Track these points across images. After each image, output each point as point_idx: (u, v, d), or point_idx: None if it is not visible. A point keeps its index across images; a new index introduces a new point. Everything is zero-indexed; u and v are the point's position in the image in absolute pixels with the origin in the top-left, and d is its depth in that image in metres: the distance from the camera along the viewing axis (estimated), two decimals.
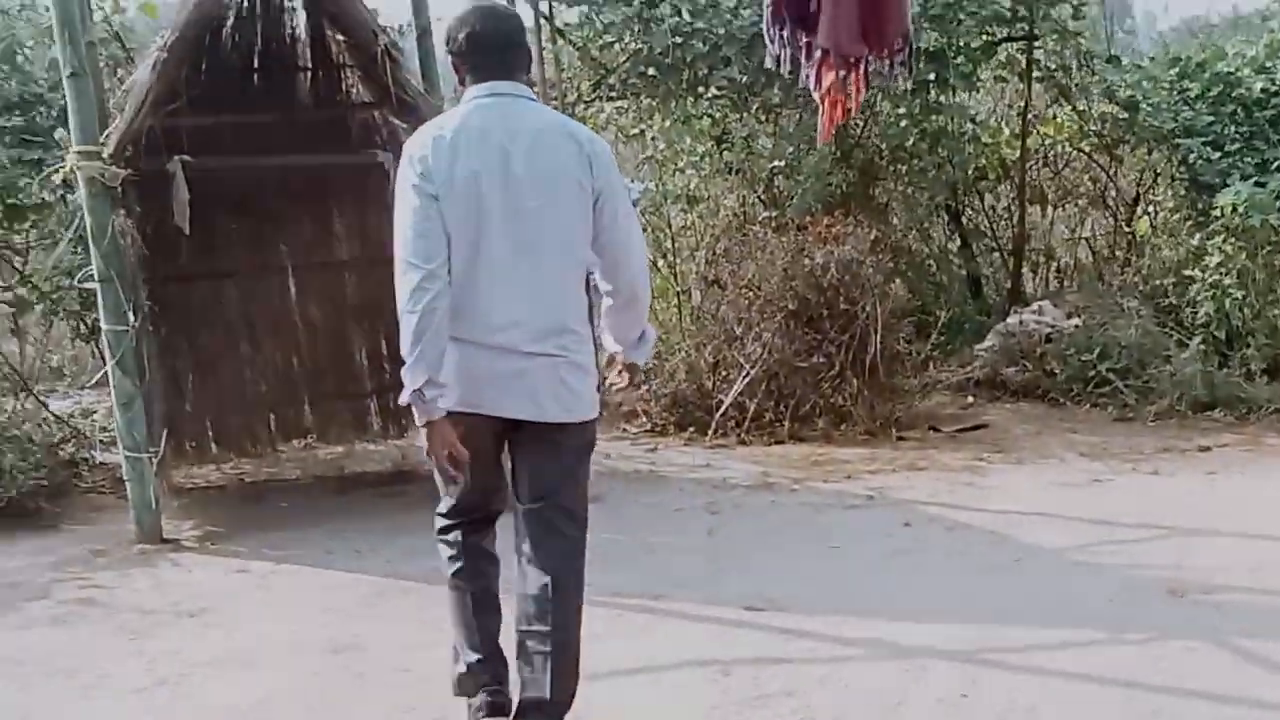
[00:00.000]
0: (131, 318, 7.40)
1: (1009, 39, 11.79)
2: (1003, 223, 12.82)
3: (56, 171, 7.71)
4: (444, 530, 4.69)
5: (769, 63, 6.63)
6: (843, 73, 6.37)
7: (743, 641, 5.65)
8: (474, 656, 4.62)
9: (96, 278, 7.40)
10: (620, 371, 4.88)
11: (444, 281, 4.25)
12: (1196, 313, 10.31)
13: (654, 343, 4.95)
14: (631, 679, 5.26)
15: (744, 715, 4.90)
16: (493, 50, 4.48)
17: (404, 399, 4.32)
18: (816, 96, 6.57)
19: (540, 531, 4.52)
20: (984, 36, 11.41)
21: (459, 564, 4.66)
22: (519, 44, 4.57)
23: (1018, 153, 12.27)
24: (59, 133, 8.60)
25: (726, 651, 5.51)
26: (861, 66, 6.48)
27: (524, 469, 4.57)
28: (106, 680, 5.46)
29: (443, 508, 4.68)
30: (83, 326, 9.40)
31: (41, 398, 9.66)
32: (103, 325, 7.47)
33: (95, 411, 9.57)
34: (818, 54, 6.37)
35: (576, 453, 4.60)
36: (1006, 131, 12.70)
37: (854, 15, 6.36)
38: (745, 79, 11.19)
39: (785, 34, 6.45)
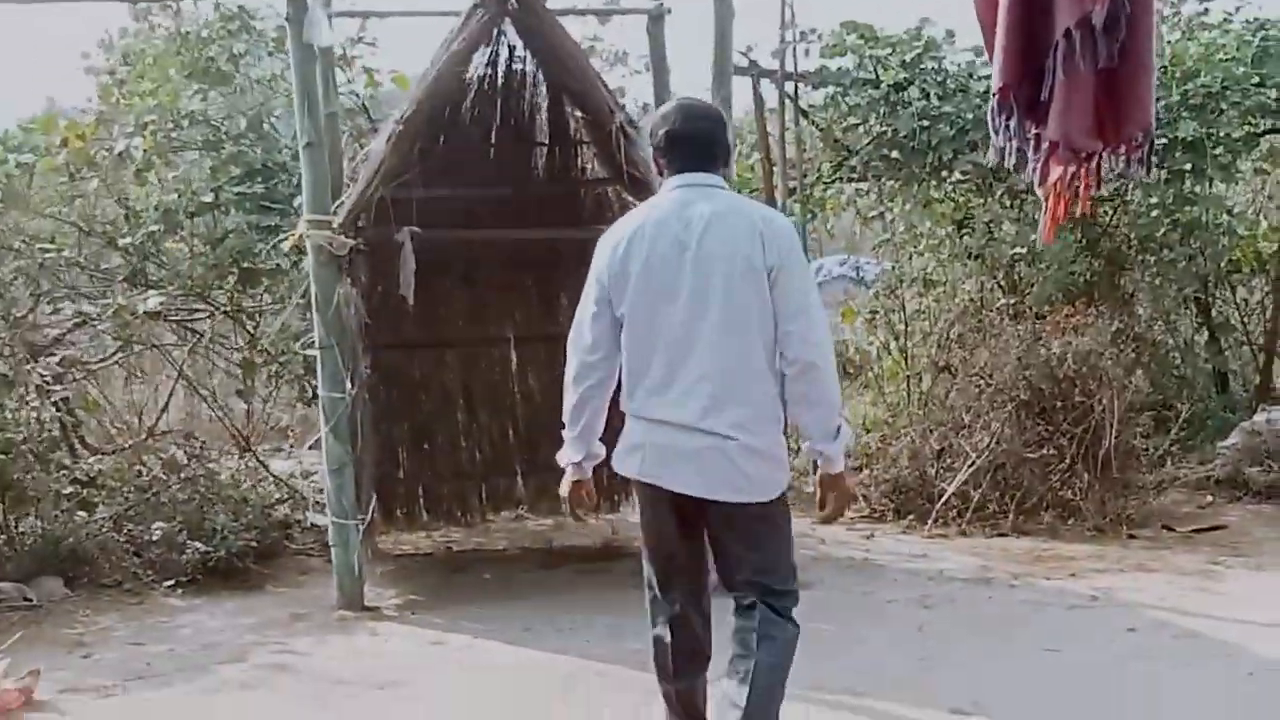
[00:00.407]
0: (349, 385, 7.46)
1: (1274, 130, 11.26)
2: (1254, 317, 12.23)
3: (287, 239, 7.82)
4: (655, 617, 4.94)
5: (991, 156, 6.26)
6: (1072, 167, 5.99)
7: None
8: None
9: (318, 344, 7.48)
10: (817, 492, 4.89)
11: (603, 372, 4.75)
12: None
13: (845, 442, 4.76)
14: None
15: None
16: (690, 147, 4.77)
17: (561, 460, 5.04)
18: (1040, 193, 6.17)
19: (745, 619, 4.72)
20: (1246, 127, 10.92)
21: (660, 630, 4.89)
22: (716, 140, 4.82)
23: (1275, 246, 11.69)
24: (297, 201, 8.77)
25: None
26: (1094, 162, 6.08)
27: (716, 549, 4.82)
28: None
29: (650, 590, 4.94)
30: (306, 390, 9.51)
31: (263, 458, 9.82)
32: (320, 391, 7.54)
33: (314, 474, 9.69)
34: (1045, 146, 5.98)
35: (762, 529, 4.72)
36: (1265, 224, 12.14)
37: (1089, 106, 5.89)
38: (991, 164, 10.90)
39: (1012, 124, 6.06)
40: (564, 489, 5.07)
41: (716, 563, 4.84)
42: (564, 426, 4.94)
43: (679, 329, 4.57)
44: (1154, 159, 6.06)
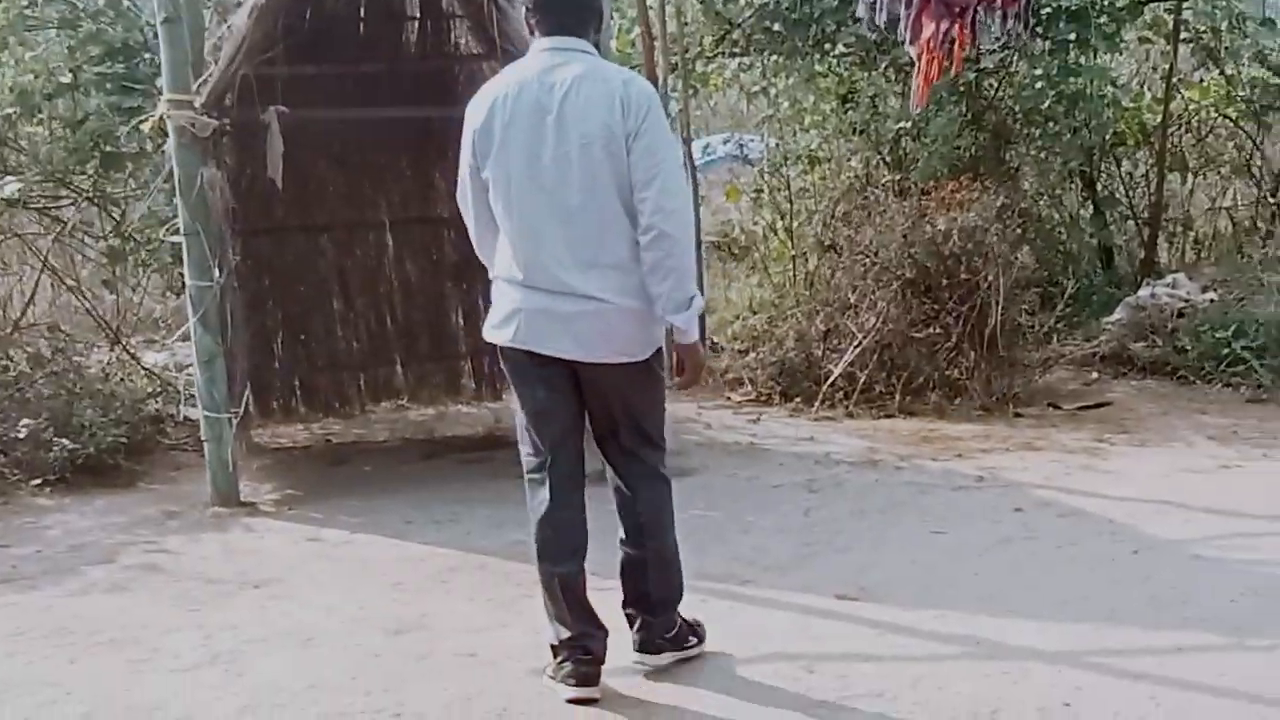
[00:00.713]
0: (217, 273, 7.18)
1: None
2: (1139, 191, 12.22)
3: (147, 120, 7.48)
4: (532, 481, 4.84)
5: (860, 11, 5.86)
6: (945, 24, 5.61)
7: (831, 634, 5.26)
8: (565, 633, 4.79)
9: (182, 230, 7.19)
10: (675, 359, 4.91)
11: (491, 247, 4.76)
12: None
13: (698, 312, 4.77)
14: (706, 671, 4.90)
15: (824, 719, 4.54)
16: (559, 9, 4.68)
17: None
18: (912, 52, 5.77)
19: (621, 460, 4.86)
20: None
21: (542, 510, 4.79)
22: (585, 4, 4.74)
23: (1159, 118, 11.65)
24: (160, 81, 8.42)
25: (813, 645, 5.13)
26: (968, 17, 5.67)
27: (592, 410, 4.85)
28: (157, 655, 5.21)
29: (527, 455, 4.86)
30: (176, 279, 9.20)
31: (134, 350, 9.52)
32: (186, 280, 7.25)
33: (188, 366, 9.38)
34: (917, 1, 5.59)
35: (639, 386, 4.81)
36: (1148, 96, 12.11)
37: None
38: (874, 36, 10.73)
39: None
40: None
41: (592, 424, 4.86)
42: None
43: (543, 194, 4.55)
44: (1034, 19, 5.72)
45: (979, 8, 5.57)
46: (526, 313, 4.61)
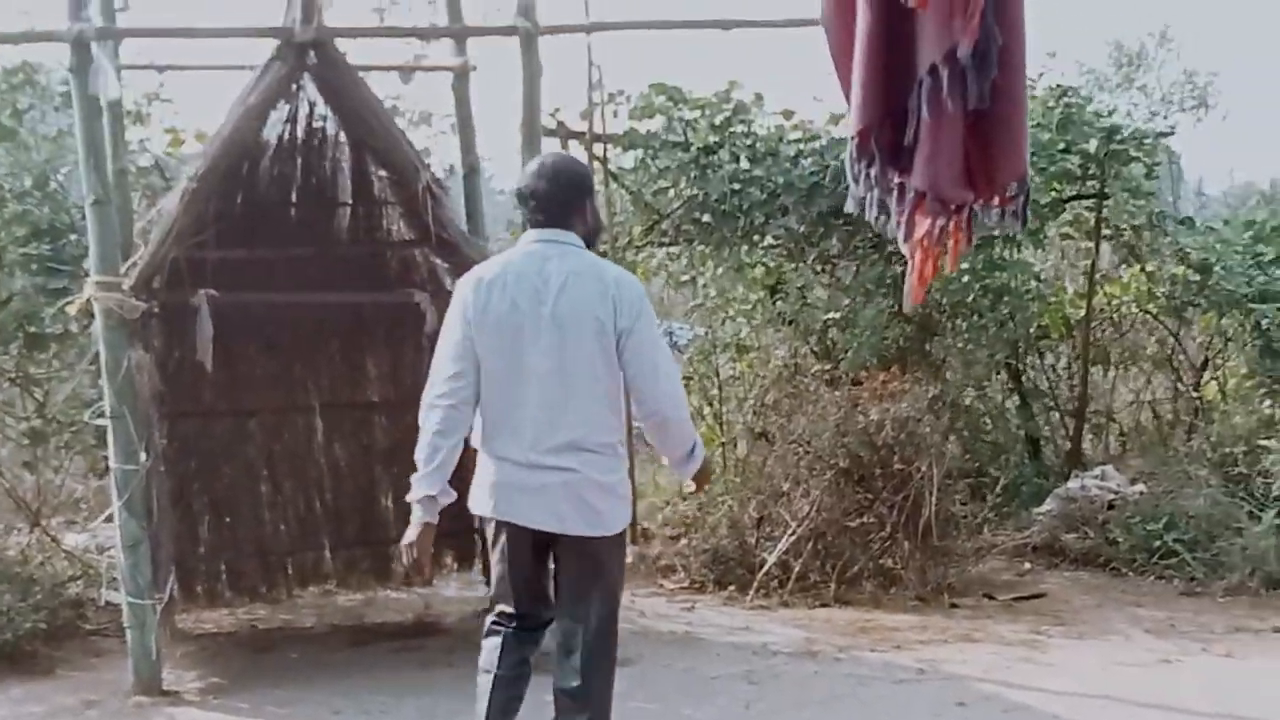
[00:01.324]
0: (143, 456, 7.04)
1: (1078, 196, 11.40)
2: (1063, 383, 12.32)
3: (72, 302, 7.38)
4: (491, 632, 5.22)
5: (850, 206, 5.67)
6: (940, 220, 5.51)
7: None
8: None
9: (108, 413, 7.06)
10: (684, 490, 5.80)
11: (461, 398, 5.00)
12: (1271, 484, 9.70)
13: (701, 458, 5.31)
14: None
15: None
16: (552, 205, 5.10)
17: (411, 497, 4.98)
18: (905, 249, 5.63)
19: (574, 609, 5.14)
20: (1052, 193, 11.02)
21: (495, 656, 5.13)
22: (578, 201, 5.17)
23: (1082, 312, 11.81)
24: (86, 262, 8.33)
25: None
26: (964, 214, 5.58)
27: (559, 578, 5.21)
28: None
29: (493, 613, 5.23)
30: (99, 460, 9.01)
31: (54, 532, 9.27)
32: (111, 463, 7.10)
33: (110, 548, 9.14)
34: (911, 197, 5.48)
35: (606, 559, 5.16)
36: (1071, 290, 12.28)
37: (958, 151, 5.35)
38: (802, 229, 10.86)
39: (873, 172, 5.54)
40: (411, 534, 5.00)
41: (558, 591, 5.21)
42: (416, 468, 5.03)
43: (533, 377, 4.94)
44: (1028, 212, 5.64)
45: (975, 205, 5.47)
46: (504, 485, 5.04)
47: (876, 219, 5.59)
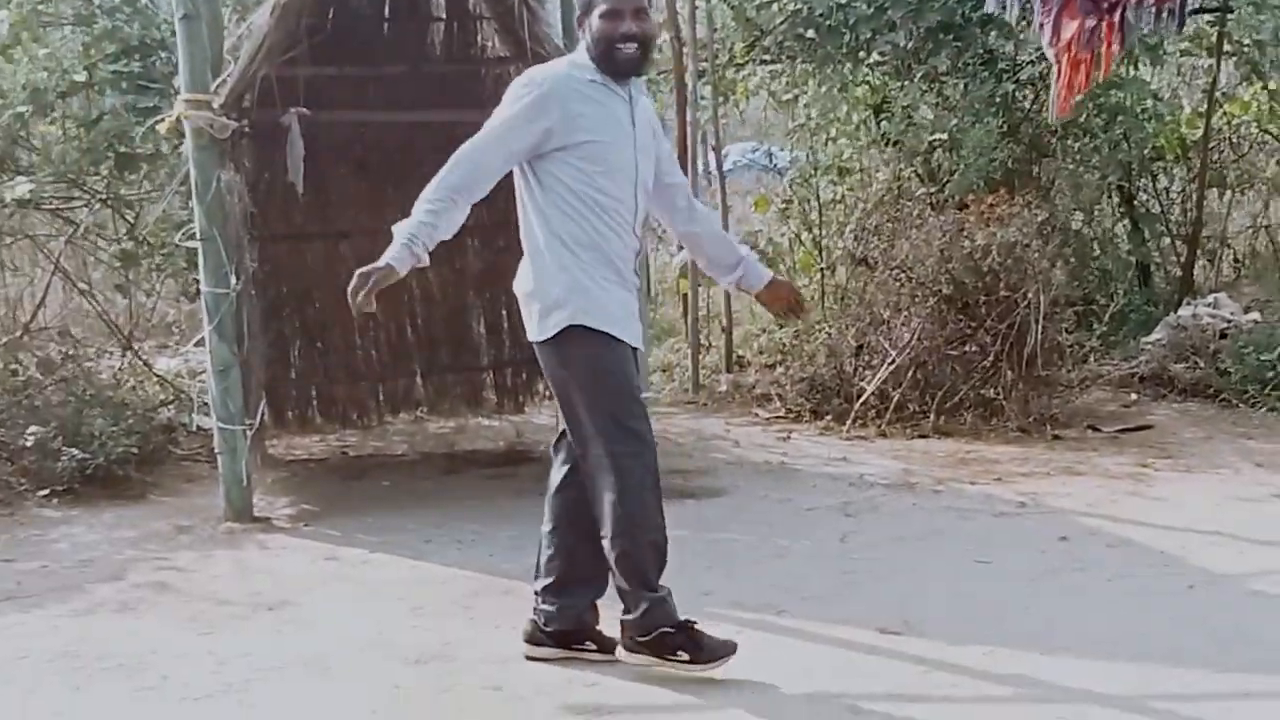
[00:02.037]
0: (233, 280, 6.93)
1: (1200, 10, 10.89)
2: (1176, 207, 11.94)
3: (163, 121, 7.23)
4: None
5: (990, 6, 5.33)
6: (1091, 22, 5.07)
7: (875, 672, 4.96)
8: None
9: (199, 235, 6.94)
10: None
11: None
12: None
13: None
14: (743, 712, 4.60)
15: None
16: None
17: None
18: (1051, 54, 5.22)
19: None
20: None
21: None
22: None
23: (1199, 132, 11.36)
24: (177, 80, 8.18)
25: (856, 683, 4.83)
26: (1117, 14, 5.13)
27: None
28: (166, 682, 4.94)
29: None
30: (190, 284, 8.95)
31: (147, 356, 9.27)
32: (202, 286, 7.00)
33: (202, 373, 9.14)
34: None
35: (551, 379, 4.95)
36: (1188, 109, 11.82)
37: None
38: (910, 45, 10.48)
39: None
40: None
41: None
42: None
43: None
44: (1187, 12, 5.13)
45: (1127, 5, 5.00)
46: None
47: (1018, 22, 5.13)
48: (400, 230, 4.57)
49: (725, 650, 4.79)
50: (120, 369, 8.87)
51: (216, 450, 7.04)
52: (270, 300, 8.07)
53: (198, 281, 7.25)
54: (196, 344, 7.71)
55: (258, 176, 7.75)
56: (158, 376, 8.99)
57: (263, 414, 7.40)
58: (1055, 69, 5.13)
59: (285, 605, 5.78)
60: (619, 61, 4.72)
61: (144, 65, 8.95)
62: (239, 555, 6.52)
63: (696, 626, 4.82)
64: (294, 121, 7.03)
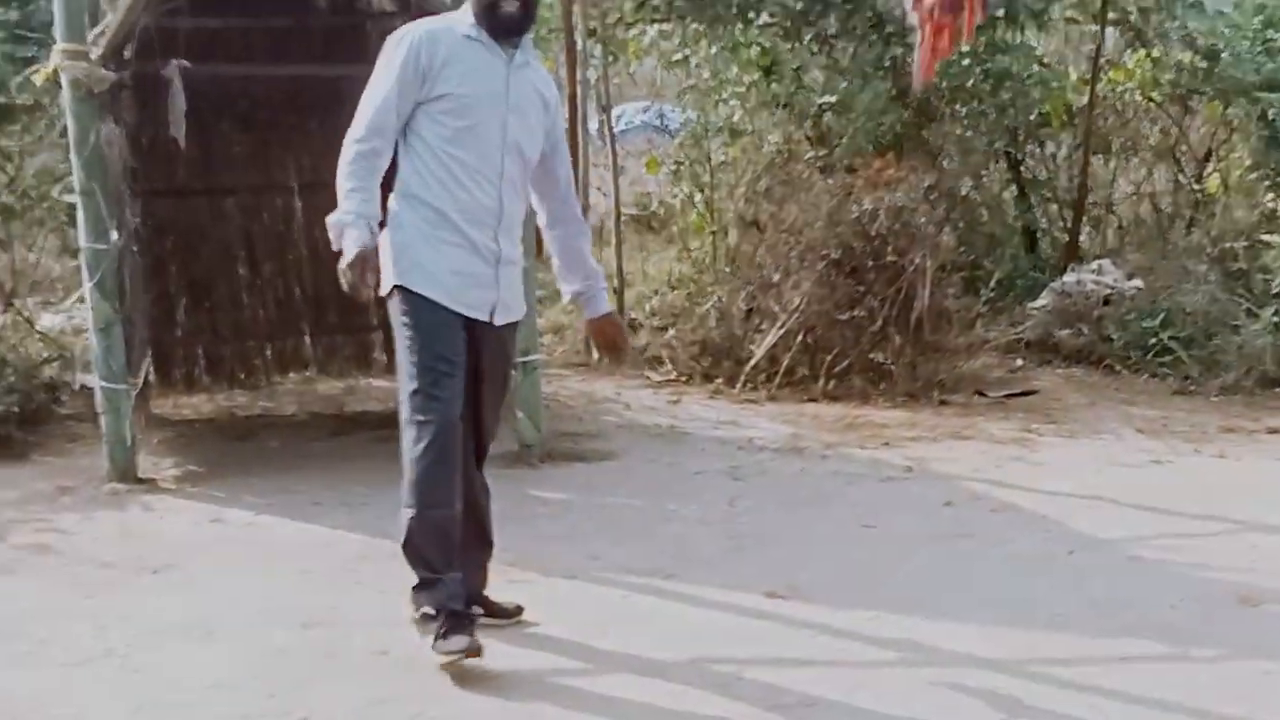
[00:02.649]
0: (114, 235, 6.79)
1: None
2: (1062, 174, 12.07)
3: (38, 71, 7.06)
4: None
5: None
6: None
7: (761, 636, 5.00)
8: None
9: (77, 189, 6.79)
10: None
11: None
12: (1270, 280, 9.52)
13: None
14: (630, 675, 4.60)
15: None
16: None
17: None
18: (914, 18, 5.25)
19: None
20: None
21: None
22: None
23: (1084, 99, 11.49)
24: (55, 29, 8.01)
25: (742, 648, 4.86)
26: None
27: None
28: (46, 647, 4.86)
29: None
30: (71, 240, 8.79)
31: (29, 313, 9.09)
32: (81, 242, 6.86)
33: (85, 331, 8.99)
34: None
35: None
36: (1074, 76, 11.94)
37: None
38: (799, 6, 10.48)
39: None
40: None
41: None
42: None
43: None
44: None
45: None
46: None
47: None
48: (345, 215, 4.46)
49: (462, 646, 4.53)
50: (1, 326, 8.68)
51: (99, 410, 6.92)
52: (154, 257, 7.95)
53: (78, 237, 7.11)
54: (77, 301, 7.56)
55: (138, 130, 7.59)
56: (40, 334, 8.83)
57: (148, 373, 7.29)
58: (919, 34, 5.11)
59: (169, 568, 5.70)
60: (499, 18, 4.59)
61: (22, 13, 8.80)
62: (122, 517, 6.44)
63: (468, 617, 4.67)
64: (175, 74, 6.90)
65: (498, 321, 4.76)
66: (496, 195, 4.67)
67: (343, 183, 4.51)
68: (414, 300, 4.58)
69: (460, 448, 4.66)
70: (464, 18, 4.66)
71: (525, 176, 4.80)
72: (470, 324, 4.66)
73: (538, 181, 4.92)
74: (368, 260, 4.37)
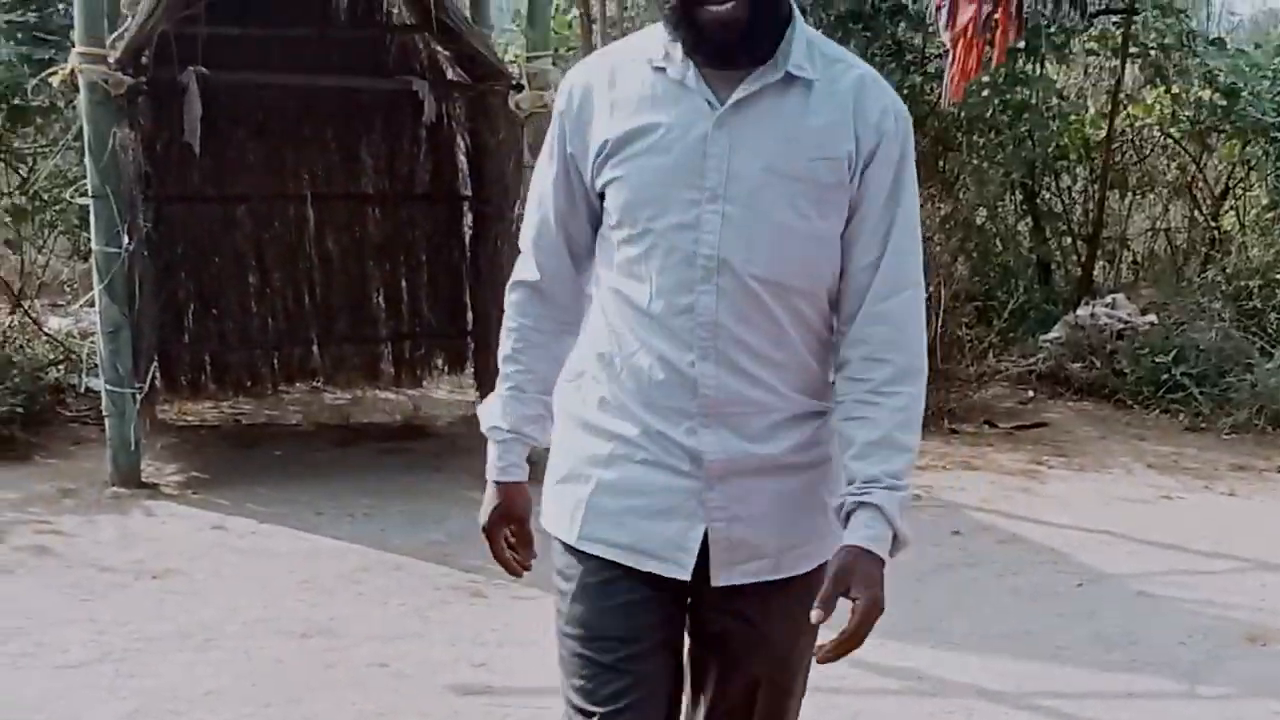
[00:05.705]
0: (125, 240, 6.75)
1: (1107, 11, 10.97)
2: (1078, 207, 12.03)
3: (55, 73, 7.04)
4: None
5: None
6: (987, 7, 4.98)
7: None
8: None
9: (91, 192, 6.78)
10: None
11: None
12: None
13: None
14: None
15: None
16: None
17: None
18: (946, 38, 5.15)
19: None
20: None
21: None
22: None
23: (1103, 133, 11.45)
24: (74, 33, 8.01)
25: None
26: (1013, 2, 5.03)
27: None
28: (43, 649, 4.83)
29: None
30: (82, 243, 8.78)
31: (37, 315, 9.06)
32: (93, 245, 6.84)
33: (93, 334, 8.96)
34: None
35: None
36: (1093, 109, 11.91)
37: None
38: (820, 32, 10.43)
39: None
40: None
41: None
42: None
43: None
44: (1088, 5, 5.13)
45: None
46: None
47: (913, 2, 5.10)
48: (487, 416, 2.69)
49: None
50: (9, 327, 8.66)
51: (105, 413, 6.89)
52: (164, 262, 7.89)
53: (90, 240, 7.09)
54: (86, 304, 7.53)
55: (154, 135, 7.53)
56: (47, 336, 8.80)
57: (154, 378, 7.24)
58: (951, 54, 5.07)
59: (169, 574, 5.66)
60: (702, 26, 2.37)
61: (40, 16, 8.83)
62: (124, 521, 6.39)
63: None
64: (192, 80, 6.90)
65: (721, 580, 2.53)
66: (708, 347, 2.43)
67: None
68: (563, 554, 2.60)
69: None
70: (655, 36, 2.50)
71: (773, 307, 2.45)
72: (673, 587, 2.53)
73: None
74: (501, 519, 2.67)
